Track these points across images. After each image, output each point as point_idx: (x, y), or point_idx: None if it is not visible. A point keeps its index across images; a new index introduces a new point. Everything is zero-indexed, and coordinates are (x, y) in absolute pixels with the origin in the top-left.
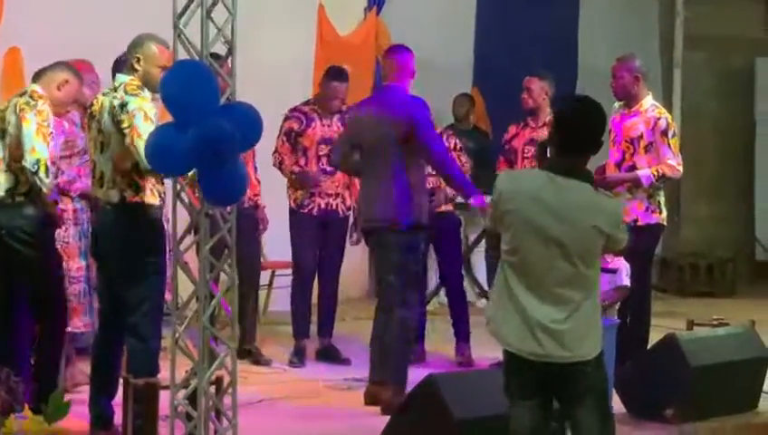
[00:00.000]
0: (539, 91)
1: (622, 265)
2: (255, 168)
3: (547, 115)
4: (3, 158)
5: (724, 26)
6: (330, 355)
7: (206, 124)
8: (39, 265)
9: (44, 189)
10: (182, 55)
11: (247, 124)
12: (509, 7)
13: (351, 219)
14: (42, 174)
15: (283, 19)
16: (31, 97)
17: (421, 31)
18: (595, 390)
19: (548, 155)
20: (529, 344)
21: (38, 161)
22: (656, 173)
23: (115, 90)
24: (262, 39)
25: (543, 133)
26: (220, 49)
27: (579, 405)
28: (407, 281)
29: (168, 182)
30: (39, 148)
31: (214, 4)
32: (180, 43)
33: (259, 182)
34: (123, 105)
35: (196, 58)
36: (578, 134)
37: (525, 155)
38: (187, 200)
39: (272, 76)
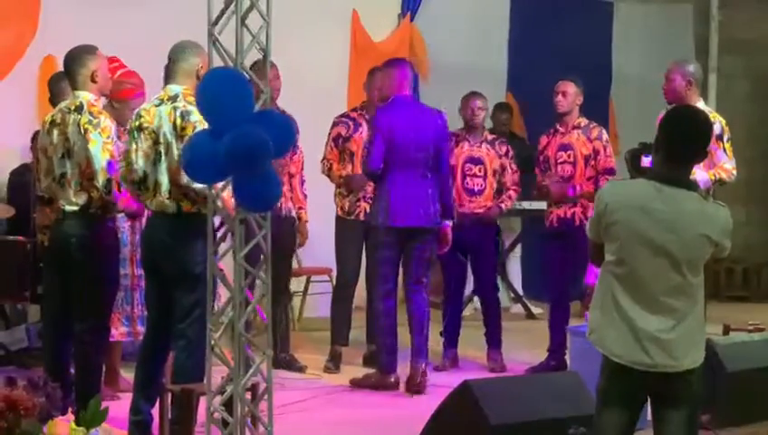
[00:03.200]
0: (573, 96)
1: None
2: (303, 181)
3: (575, 120)
4: (73, 176)
5: (759, 30)
6: (376, 361)
7: (241, 131)
8: (98, 276)
9: (118, 206)
10: (217, 63)
11: (282, 131)
12: (543, 13)
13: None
14: (115, 191)
15: (318, 26)
16: (91, 114)
17: (455, 37)
18: (692, 399)
19: (642, 163)
20: (637, 355)
21: (109, 181)
22: (713, 177)
23: (171, 99)
24: (296, 46)
25: (573, 137)
26: (255, 56)
27: (674, 411)
28: None
29: None
30: (108, 167)
31: (248, 12)
32: (215, 50)
33: (305, 197)
34: (188, 113)
35: (231, 65)
36: (687, 144)
37: (558, 161)
38: (221, 207)
39: (306, 83)
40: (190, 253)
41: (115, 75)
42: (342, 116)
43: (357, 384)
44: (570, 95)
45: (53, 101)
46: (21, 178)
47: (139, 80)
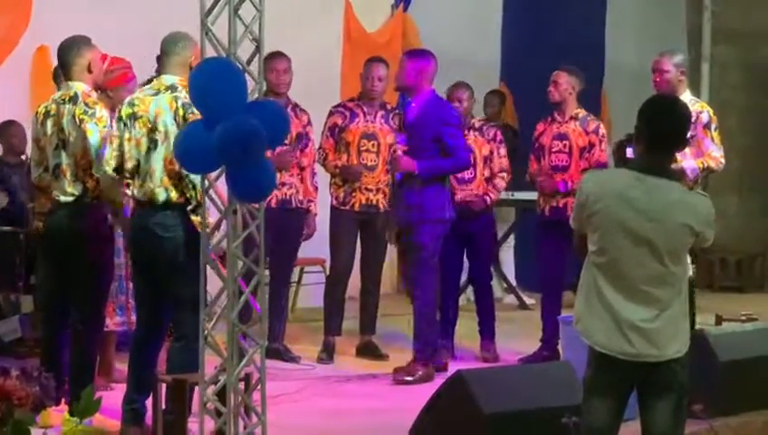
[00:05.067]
0: (566, 85)
1: None
2: (314, 174)
3: (573, 110)
4: (68, 166)
5: (751, 20)
6: (370, 351)
7: (234, 121)
8: (93, 266)
9: (116, 199)
10: (210, 53)
11: (274, 121)
12: (536, 2)
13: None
14: (114, 183)
15: (311, 16)
16: (86, 105)
17: (448, 26)
18: (678, 388)
19: (627, 154)
20: (619, 344)
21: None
22: (701, 166)
23: (169, 89)
24: (289, 36)
25: (569, 128)
26: (247, 47)
27: (660, 400)
28: None
29: None
30: (107, 156)
31: (241, 2)
32: (208, 41)
33: (316, 189)
34: (191, 105)
35: (224, 56)
36: (667, 133)
37: (553, 150)
38: (215, 197)
39: (299, 73)
40: (176, 244)
41: (104, 64)
42: (339, 106)
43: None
44: (561, 85)
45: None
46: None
47: (127, 63)
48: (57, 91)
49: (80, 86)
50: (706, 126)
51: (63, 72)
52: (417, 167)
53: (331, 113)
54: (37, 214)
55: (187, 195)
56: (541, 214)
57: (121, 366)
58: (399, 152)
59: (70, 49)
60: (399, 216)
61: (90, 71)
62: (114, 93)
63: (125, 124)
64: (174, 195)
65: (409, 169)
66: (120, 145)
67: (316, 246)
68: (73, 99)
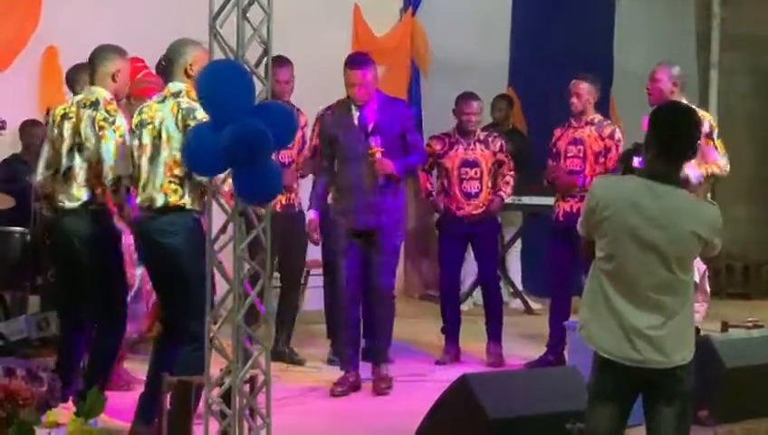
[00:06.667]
0: (587, 94)
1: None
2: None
3: (590, 115)
4: (81, 170)
5: (761, 27)
6: (374, 355)
7: (241, 123)
8: (104, 272)
9: (124, 206)
10: (218, 56)
11: (281, 124)
12: (545, 7)
13: None
14: (121, 191)
15: (319, 20)
16: (107, 112)
17: (457, 31)
18: (683, 394)
19: (634, 164)
20: (625, 350)
21: (118, 179)
22: (704, 172)
23: (174, 96)
24: (297, 40)
25: (585, 132)
26: (255, 49)
27: (665, 407)
28: None
29: None
30: (118, 165)
31: (250, 5)
32: (216, 43)
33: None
34: (193, 110)
35: (232, 58)
36: (677, 141)
37: (568, 155)
38: (221, 199)
39: (307, 77)
40: (175, 249)
41: (139, 74)
42: (328, 109)
43: None
44: (582, 96)
45: (74, 89)
46: (10, 167)
47: (158, 81)
48: (67, 92)
49: (102, 92)
50: (709, 135)
51: (90, 75)
52: (395, 168)
53: (319, 116)
54: (48, 210)
55: (189, 199)
56: (555, 219)
57: (128, 366)
58: (379, 155)
59: (100, 54)
60: (366, 218)
61: (114, 79)
62: (135, 103)
63: (134, 133)
64: (173, 199)
65: (390, 172)
66: (131, 153)
67: (319, 249)
68: (94, 104)
